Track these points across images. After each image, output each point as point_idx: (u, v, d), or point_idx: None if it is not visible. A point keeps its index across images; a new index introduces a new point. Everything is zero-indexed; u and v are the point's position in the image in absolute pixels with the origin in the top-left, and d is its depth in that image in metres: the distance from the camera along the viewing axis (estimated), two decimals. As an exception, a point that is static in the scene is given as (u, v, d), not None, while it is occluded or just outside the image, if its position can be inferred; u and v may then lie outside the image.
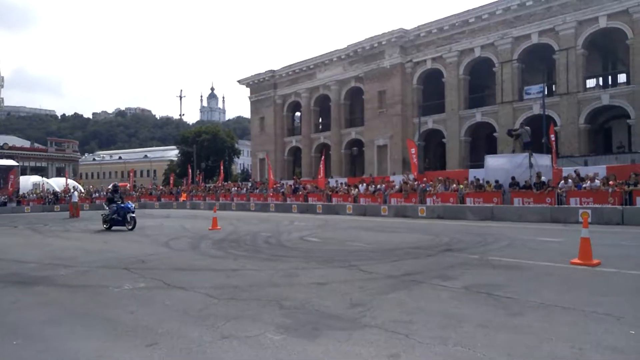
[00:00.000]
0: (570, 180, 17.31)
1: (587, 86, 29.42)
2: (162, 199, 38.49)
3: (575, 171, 18.12)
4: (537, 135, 23.47)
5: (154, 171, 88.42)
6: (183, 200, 36.40)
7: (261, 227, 16.04)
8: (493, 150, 29.29)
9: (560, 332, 4.08)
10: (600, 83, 32.24)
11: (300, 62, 43.57)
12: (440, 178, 22.22)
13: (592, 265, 7.08)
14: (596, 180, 16.55)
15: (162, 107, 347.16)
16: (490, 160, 20.70)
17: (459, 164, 31.67)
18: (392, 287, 6.05)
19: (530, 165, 18.34)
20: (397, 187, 23.22)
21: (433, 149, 37.38)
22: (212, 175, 57.01)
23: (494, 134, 30.67)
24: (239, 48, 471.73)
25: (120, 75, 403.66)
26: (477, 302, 5.20)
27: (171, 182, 48.05)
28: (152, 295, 5.95)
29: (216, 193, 35.47)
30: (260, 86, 47.77)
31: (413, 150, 22.26)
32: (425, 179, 22.95)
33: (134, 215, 15.59)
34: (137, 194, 40.09)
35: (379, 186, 24.18)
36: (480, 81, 33.38)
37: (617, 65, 31.41)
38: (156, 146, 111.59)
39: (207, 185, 43.04)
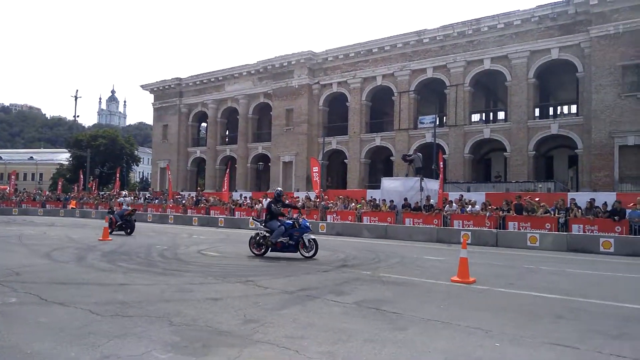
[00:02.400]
0: (454, 204, 19.01)
1: (472, 120, 32.78)
2: (48, 206, 34.88)
3: (460, 196, 19.97)
4: (428, 162, 25.50)
5: (40, 175, 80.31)
6: (72, 208, 33.32)
7: (157, 240, 15.24)
8: (390, 173, 31.20)
9: (438, 345, 4.44)
10: (484, 118, 36.09)
11: (209, 72, 42.72)
12: (340, 197, 23.07)
13: (469, 282, 7.83)
14: (477, 205, 18.38)
15: (54, 107, 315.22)
16: (386, 182, 21.99)
17: (359, 184, 33.16)
18: (286, 303, 6.13)
19: (421, 189, 19.84)
20: (300, 203, 23.58)
21: (336, 169, 38.70)
22: (108, 183, 53.04)
23: (391, 158, 32.67)
24: (144, 52, 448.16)
25: (4, 66, 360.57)
26: (366, 317, 5.47)
27: (59, 187, 43.75)
28: (24, 312, 5.35)
29: (110, 202, 32.96)
30: (165, 93, 45.86)
31: (316, 169, 22.87)
32: (326, 196, 23.65)
33: None
34: (18, 199, 35.85)
35: (282, 202, 24.37)
36: (381, 108, 35.51)
37: (498, 103, 35.46)
38: (45, 148, 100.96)
39: (101, 193, 39.93)
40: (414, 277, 8.43)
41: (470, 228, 17.01)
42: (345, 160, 35.41)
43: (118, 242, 13.91)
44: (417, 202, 19.65)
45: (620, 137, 23.72)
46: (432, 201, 19.50)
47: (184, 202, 29.02)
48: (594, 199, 16.83)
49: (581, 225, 15.88)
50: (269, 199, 12.00)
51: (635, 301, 6.63)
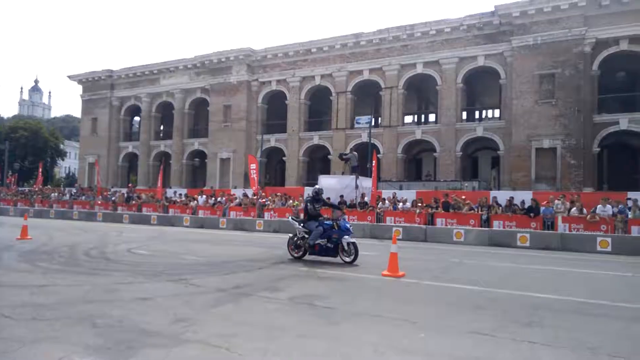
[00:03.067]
0: (387, 202, 19.65)
1: (405, 121, 34.01)
2: (-45, 202, 31.68)
3: (393, 194, 20.67)
4: (363, 160, 26.14)
5: (-52, 168, 72.53)
6: (-14, 205, 30.53)
7: (83, 238, 14.40)
8: (327, 171, 31.63)
9: (368, 338, 4.60)
10: (416, 120, 37.55)
11: (144, 65, 40.83)
12: (278, 194, 23.05)
13: (398, 276, 8.16)
14: (407, 203, 19.13)
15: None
16: (323, 180, 22.28)
17: (297, 181, 33.28)
18: (219, 301, 6.06)
19: (357, 187, 20.33)
20: (237, 200, 23.33)
21: (274, 166, 38.55)
22: (29, 178, 49.15)
23: (329, 156, 33.11)
24: (72, 41, 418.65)
25: None
26: (300, 313, 5.56)
27: (-29, 182, 39.94)
28: None
29: (31, 198, 30.65)
30: (96, 85, 43.23)
31: (253, 166, 22.65)
32: (264, 193, 23.52)
33: None
34: None
35: (219, 199, 23.92)
36: (320, 107, 35.85)
37: (429, 106, 37.02)
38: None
39: (21, 189, 36.94)
40: (348, 272, 8.65)
41: (402, 224, 17.67)
42: (283, 158, 35.37)
43: (40, 241, 12.98)
44: (353, 200, 20.09)
45: (537, 141, 25.68)
46: (366, 198, 20.03)
47: (114, 199, 27.58)
48: (513, 197, 18.11)
49: (501, 222, 17.06)
50: (307, 197, 10.90)
51: (545, 291, 7.25)
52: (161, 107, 41.13)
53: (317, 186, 10.91)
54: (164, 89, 39.97)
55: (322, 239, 9.82)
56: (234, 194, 24.75)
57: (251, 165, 22.51)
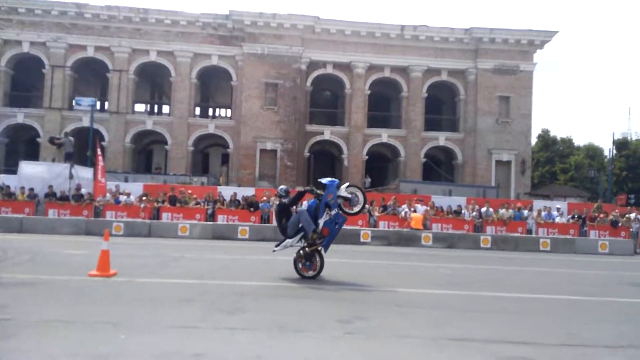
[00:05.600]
0: (108, 194, 18.01)
1: (136, 109, 31.99)
2: None
3: (116, 186, 19.04)
4: (83, 147, 23.23)
5: None
6: None
7: None
8: (35, 157, 26.67)
9: (53, 350, 4.03)
10: (148, 109, 35.79)
11: None
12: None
13: (109, 275, 7.51)
14: (131, 196, 17.98)
15: None
16: (26, 167, 18.71)
17: (-9, 168, 26.87)
18: None
19: (71, 177, 17.86)
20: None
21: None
22: None
23: (38, 139, 28.03)
24: None
25: None
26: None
27: None
28: None
29: None
30: None
31: None
32: None
33: None
34: None
35: None
36: (27, 79, 29.96)
37: (163, 97, 35.90)
38: None
39: None
40: (45, 275, 7.44)
41: (124, 219, 16.46)
42: (-32, 137, 27.94)
43: None
44: (65, 191, 17.54)
45: (262, 142, 28.24)
46: (83, 190, 17.81)
47: None
48: (236, 193, 19.34)
49: (225, 216, 17.99)
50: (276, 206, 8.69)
51: (252, 279, 7.97)
52: None
53: (281, 187, 8.85)
54: None
55: (324, 217, 7.83)
56: None
57: None
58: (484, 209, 18.92)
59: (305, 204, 8.29)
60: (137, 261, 9.68)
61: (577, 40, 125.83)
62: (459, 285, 8.29)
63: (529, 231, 18.48)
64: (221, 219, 17.83)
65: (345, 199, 8.00)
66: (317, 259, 7.96)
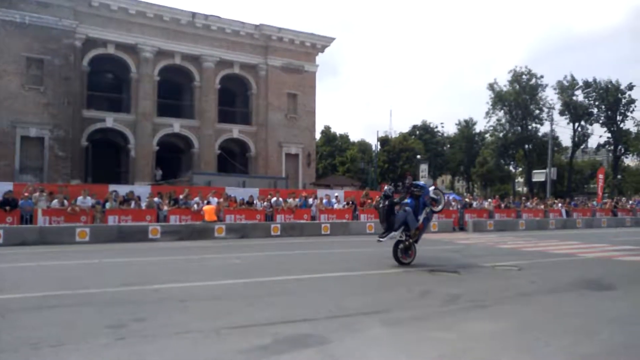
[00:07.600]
0: None
1: None
2: None
3: None
4: None
5: None
6: None
7: None
8: None
9: None
10: None
11: None
12: None
13: None
14: None
15: None
16: None
17: None
18: None
19: None
20: None
21: None
22: None
23: None
24: None
25: None
26: None
27: None
28: None
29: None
30: None
31: None
32: None
33: None
34: None
35: None
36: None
37: None
38: None
39: None
40: None
41: None
42: None
43: None
44: None
45: (23, 128, 23.68)
46: None
47: None
48: None
49: (-32, 217, 14.45)
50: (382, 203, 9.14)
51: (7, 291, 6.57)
52: None
53: (386, 187, 9.62)
54: None
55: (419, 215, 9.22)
56: None
57: None
58: (274, 199, 19.90)
59: (409, 201, 9.26)
60: None
61: (352, 48, 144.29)
62: (245, 273, 8.45)
63: (313, 217, 20.22)
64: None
65: (432, 199, 9.50)
66: (414, 249, 9.30)
